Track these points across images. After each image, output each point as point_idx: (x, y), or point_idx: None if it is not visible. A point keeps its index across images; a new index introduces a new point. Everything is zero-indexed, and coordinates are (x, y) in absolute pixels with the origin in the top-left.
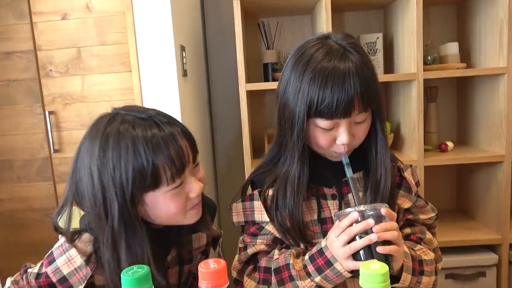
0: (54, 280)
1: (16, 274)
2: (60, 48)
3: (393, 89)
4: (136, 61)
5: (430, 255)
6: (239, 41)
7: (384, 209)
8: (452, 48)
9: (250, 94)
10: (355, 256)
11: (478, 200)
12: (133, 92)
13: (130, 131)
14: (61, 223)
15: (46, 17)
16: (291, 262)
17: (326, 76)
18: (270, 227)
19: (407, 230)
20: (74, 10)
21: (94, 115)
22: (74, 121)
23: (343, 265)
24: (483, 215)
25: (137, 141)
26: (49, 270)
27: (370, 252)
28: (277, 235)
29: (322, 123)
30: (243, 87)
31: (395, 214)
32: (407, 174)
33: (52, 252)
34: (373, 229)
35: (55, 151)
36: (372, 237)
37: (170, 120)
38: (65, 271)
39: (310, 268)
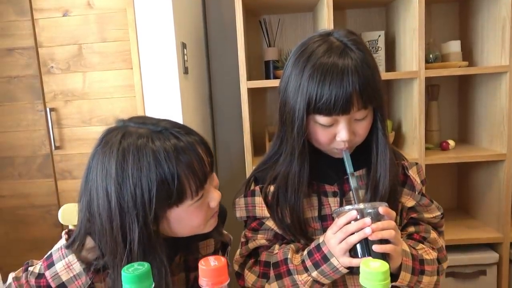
0: (53, 286)
1: (18, 270)
2: (61, 45)
3: (394, 87)
4: (137, 58)
5: (432, 255)
6: (241, 39)
7: (382, 208)
8: (454, 46)
9: (251, 91)
10: (352, 253)
11: (479, 199)
12: (134, 89)
13: (149, 145)
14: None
15: (47, 14)
16: (289, 256)
17: (324, 73)
18: (270, 223)
19: (411, 229)
20: (75, 6)
21: (95, 112)
22: (75, 118)
23: (340, 261)
24: (484, 213)
25: (158, 154)
26: (47, 274)
27: (367, 250)
28: (278, 230)
29: (322, 119)
30: (244, 85)
31: (394, 213)
32: (412, 172)
33: (51, 254)
34: (370, 227)
35: (56, 148)
36: (367, 231)
37: (186, 130)
38: (64, 278)
39: (308, 263)
